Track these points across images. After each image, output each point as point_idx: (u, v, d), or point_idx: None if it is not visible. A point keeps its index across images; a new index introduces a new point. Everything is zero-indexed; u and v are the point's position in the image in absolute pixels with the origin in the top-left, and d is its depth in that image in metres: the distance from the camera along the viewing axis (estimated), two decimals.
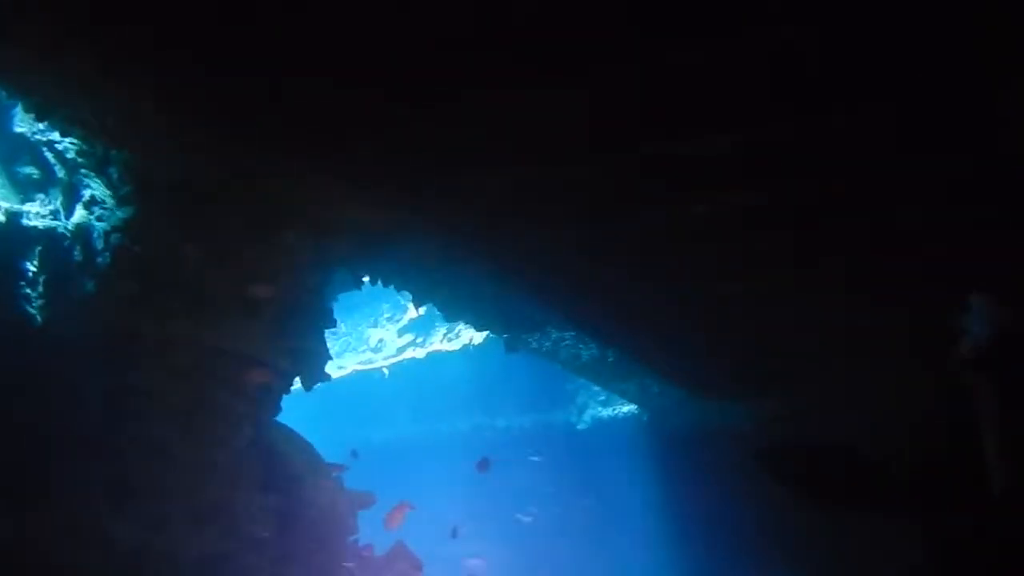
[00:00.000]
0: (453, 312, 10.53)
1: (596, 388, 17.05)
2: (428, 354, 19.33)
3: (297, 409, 9.85)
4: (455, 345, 18.60)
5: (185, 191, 7.33)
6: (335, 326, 9.25)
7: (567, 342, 11.31)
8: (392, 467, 17.99)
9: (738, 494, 13.01)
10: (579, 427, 19.08)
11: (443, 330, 19.21)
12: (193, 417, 7.78)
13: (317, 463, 9.48)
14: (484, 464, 11.52)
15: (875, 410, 10.48)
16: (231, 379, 7.99)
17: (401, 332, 20.38)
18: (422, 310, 15.56)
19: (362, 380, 20.73)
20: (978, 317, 5.94)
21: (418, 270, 9.32)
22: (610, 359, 12.02)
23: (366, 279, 9.62)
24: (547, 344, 11.54)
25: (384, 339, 20.59)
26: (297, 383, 8.95)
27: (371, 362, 20.59)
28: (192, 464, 7.72)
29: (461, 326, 17.93)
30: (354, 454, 11.09)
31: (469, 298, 9.89)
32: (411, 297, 10.09)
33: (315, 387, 9.05)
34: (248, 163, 6.91)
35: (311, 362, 8.91)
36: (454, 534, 12.79)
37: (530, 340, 11.43)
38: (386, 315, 20.59)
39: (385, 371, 20.00)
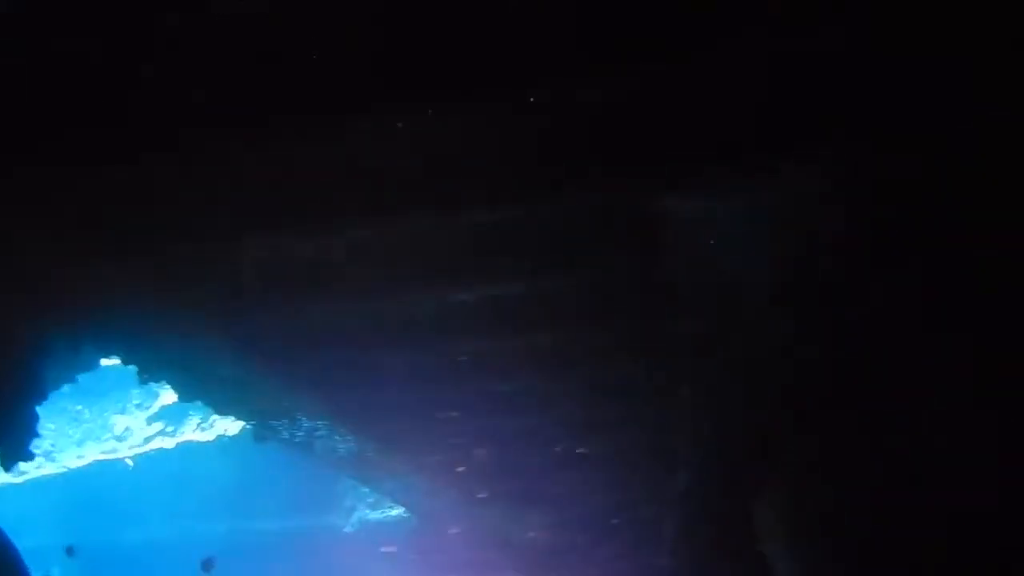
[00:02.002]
0: (187, 392, 9.34)
1: (366, 489, 16.08)
2: (178, 444, 17.65)
3: (20, 502, 8.48)
4: (209, 435, 17.06)
5: None
6: (44, 399, 7.95)
7: (321, 433, 10.23)
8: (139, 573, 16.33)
9: None
10: (346, 530, 18.01)
11: (197, 419, 17.63)
12: None
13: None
14: (208, 564, 10.24)
15: None
16: None
17: (151, 420, 18.55)
18: (173, 397, 14.24)
19: (105, 471, 18.71)
20: None
21: (145, 342, 8.16)
22: (370, 454, 10.98)
23: (115, 360, 8.58)
24: (299, 435, 10.40)
25: (131, 427, 18.67)
26: None
27: (115, 451, 18.58)
28: None
29: (216, 416, 16.43)
30: (70, 551, 9.73)
31: (205, 377, 8.74)
32: (137, 372, 8.84)
33: (18, 467, 7.89)
34: None
35: (11, 437, 7.69)
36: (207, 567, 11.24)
37: (279, 429, 10.25)
38: (135, 401, 18.69)
39: (129, 461, 18.13)
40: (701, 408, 7.22)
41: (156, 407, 18.32)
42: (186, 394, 9.45)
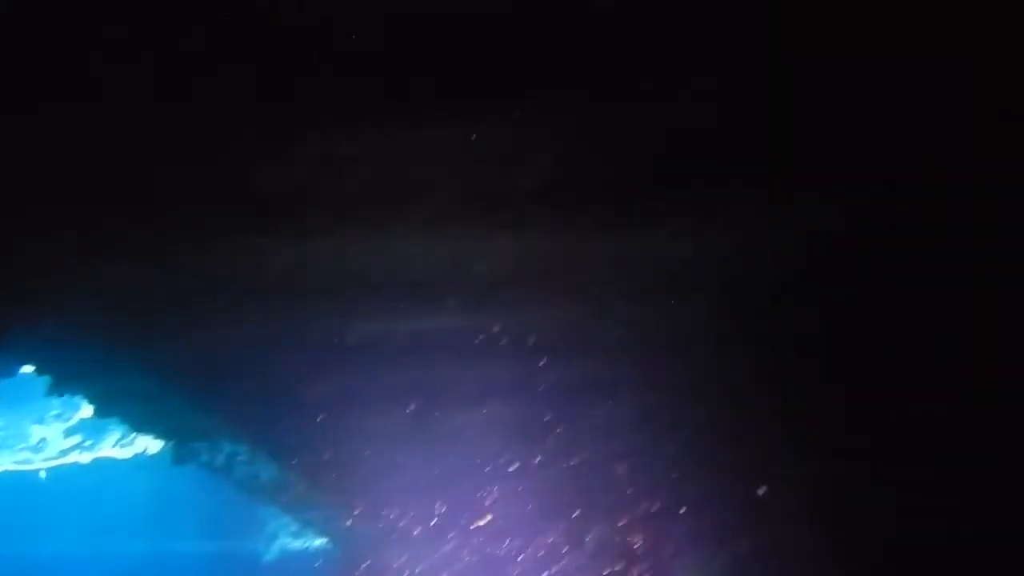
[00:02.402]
0: (104, 408, 9.01)
1: (289, 517, 15.66)
2: (95, 460, 17.02)
3: None
4: (127, 453, 16.48)
5: None
6: None
7: (242, 459, 9.90)
8: None
9: None
10: (265, 558, 17.50)
11: (117, 435, 17.03)
12: None
13: None
14: None
15: None
16: None
17: (69, 432, 17.88)
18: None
19: (16, 482, 17.97)
20: None
21: (62, 352, 7.86)
22: (291, 483, 10.65)
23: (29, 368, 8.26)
24: (219, 458, 10.06)
25: (47, 438, 17.98)
26: None
27: (28, 462, 17.85)
28: None
29: (136, 433, 15.91)
30: None
31: (122, 393, 8.43)
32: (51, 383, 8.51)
33: None
34: None
35: None
36: None
37: (199, 452, 9.91)
38: (55, 411, 18.03)
39: (42, 473, 17.43)
40: None
41: (75, 419, 17.66)
42: (103, 409, 9.13)
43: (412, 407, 8.11)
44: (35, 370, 8.30)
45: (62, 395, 9.07)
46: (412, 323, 6.69)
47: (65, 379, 8.45)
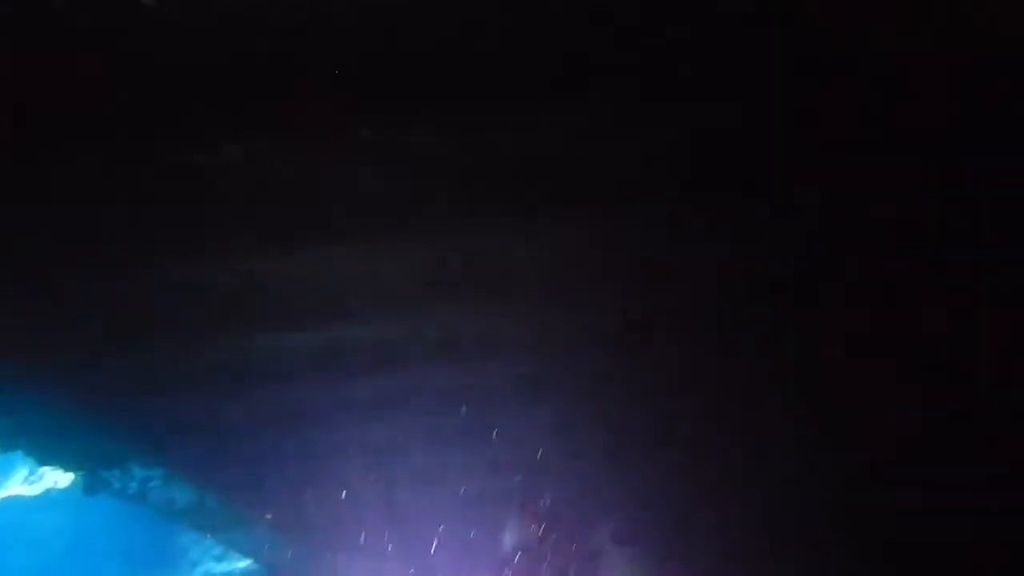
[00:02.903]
0: (8, 442, 8.66)
1: (211, 541, 15.27)
2: (4, 499, 16.35)
3: None
4: (36, 489, 15.89)
5: None
6: None
7: (155, 483, 9.67)
8: None
9: None
10: None
11: (24, 471, 16.41)
12: None
13: None
14: None
15: None
16: None
17: None
18: None
19: None
20: None
21: None
22: (210, 505, 10.46)
23: None
24: (132, 485, 9.79)
25: None
26: None
27: None
28: None
29: (44, 468, 15.34)
30: None
31: (26, 426, 8.13)
32: None
33: None
34: None
35: None
36: None
37: (111, 480, 9.63)
38: None
39: None
40: None
41: None
42: (7, 443, 8.77)
43: (330, 420, 8.03)
44: None
45: None
46: (324, 335, 6.65)
47: None
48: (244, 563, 15.44)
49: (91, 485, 9.72)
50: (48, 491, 16.05)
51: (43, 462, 9.32)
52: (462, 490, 10.10)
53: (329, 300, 5.96)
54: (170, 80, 3.86)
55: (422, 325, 6.35)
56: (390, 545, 11.31)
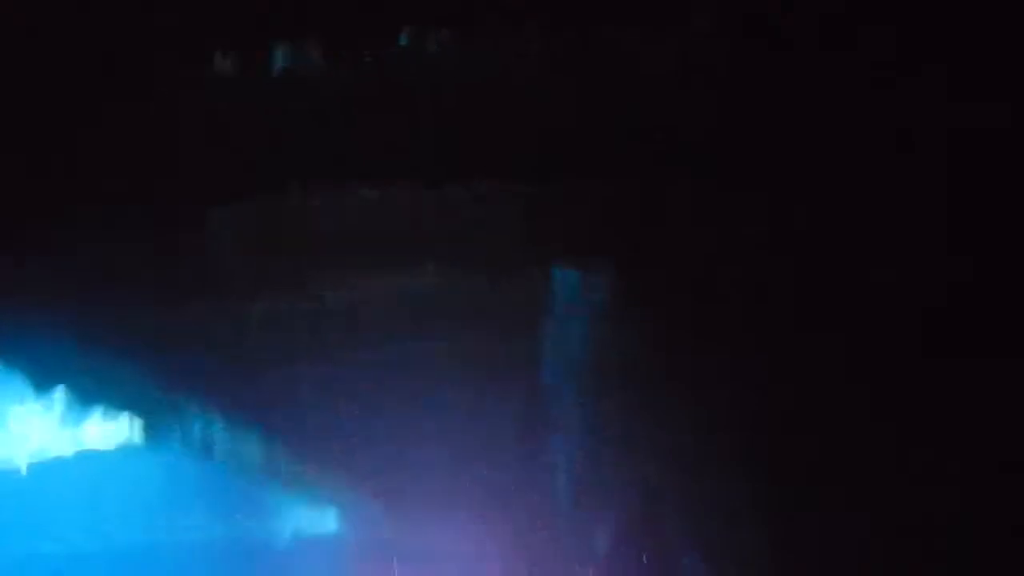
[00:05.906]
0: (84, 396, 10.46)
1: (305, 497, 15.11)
2: (79, 452, 16.30)
3: None
4: (112, 442, 15.73)
5: None
6: None
7: (219, 432, 9.76)
8: None
9: None
10: (278, 545, 16.64)
11: (98, 424, 16.35)
12: None
13: None
14: None
15: None
16: None
17: (48, 424, 17.15)
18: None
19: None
20: None
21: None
22: (284, 458, 10.36)
23: None
24: (195, 434, 10.04)
25: (27, 431, 17.25)
26: None
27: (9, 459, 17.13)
28: None
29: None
30: None
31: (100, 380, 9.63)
32: None
33: None
34: None
35: None
36: None
37: (172, 428, 10.25)
38: (31, 403, 17.32)
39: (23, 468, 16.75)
40: None
41: (58, 411, 17.03)
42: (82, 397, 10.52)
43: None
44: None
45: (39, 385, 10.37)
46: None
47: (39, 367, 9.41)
48: (333, 522, 14.97)
49: (153, 435, 10.88)
50: (124, 444, 15.99)
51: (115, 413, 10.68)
52: None
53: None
54: None
55: None
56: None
